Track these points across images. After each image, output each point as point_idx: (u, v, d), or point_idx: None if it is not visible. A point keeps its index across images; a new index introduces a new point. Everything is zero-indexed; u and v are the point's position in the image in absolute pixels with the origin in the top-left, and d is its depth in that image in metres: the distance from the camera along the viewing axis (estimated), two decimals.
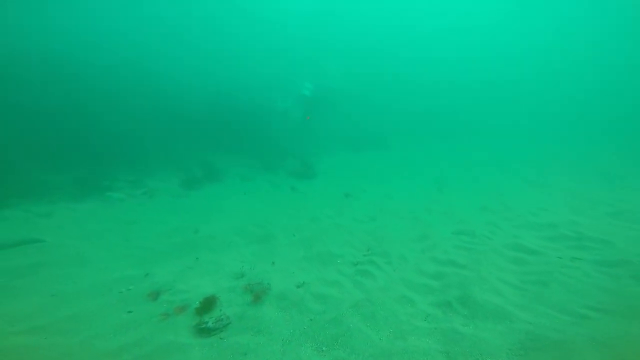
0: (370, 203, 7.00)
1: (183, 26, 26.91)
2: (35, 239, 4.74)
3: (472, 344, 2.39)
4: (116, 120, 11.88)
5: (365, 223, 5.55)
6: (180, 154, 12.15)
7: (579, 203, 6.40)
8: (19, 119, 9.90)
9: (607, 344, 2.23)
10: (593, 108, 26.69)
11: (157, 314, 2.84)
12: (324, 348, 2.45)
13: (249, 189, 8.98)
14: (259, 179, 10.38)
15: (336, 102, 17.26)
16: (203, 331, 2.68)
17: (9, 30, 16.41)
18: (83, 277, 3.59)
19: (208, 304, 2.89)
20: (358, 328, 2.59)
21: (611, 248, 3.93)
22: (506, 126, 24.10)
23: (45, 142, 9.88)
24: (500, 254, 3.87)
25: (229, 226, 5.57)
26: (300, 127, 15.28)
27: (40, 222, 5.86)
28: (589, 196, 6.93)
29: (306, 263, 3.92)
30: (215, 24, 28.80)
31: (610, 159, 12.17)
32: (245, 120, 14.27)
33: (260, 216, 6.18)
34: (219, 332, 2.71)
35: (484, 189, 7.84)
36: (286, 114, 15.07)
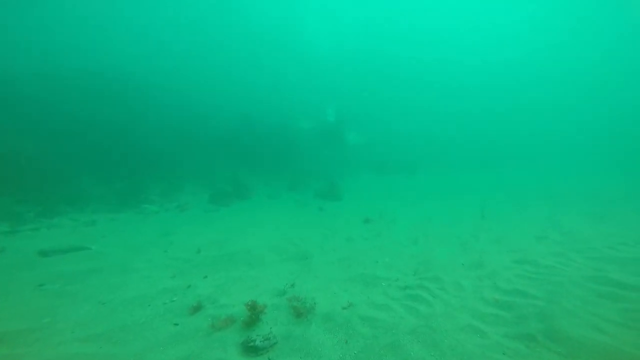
0: (408, 226, 6.79)
1: (213, 53, 29.20)
2: (83, 247, 4.94)
3: None
4: (151, 138, 12.72)
5: (406, 246, 5.33)
6: (209, 171, 12.67)
7: None
8: (65, 135, 10.82)
9: None
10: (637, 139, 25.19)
11: (203, 328, 2.77)
12: None
13: (276, 207, 9.04)
14: (286, 198, 10.50)
15: (362, 127, 17.60)
16: (251, 350, 2.55)
17: (56, 52, 18.48)
18: (128, 287, 3.63)
19: (253, 319, 2.79)
20: (421, 357, 2.35)
21: None
22: (545, 154, 23.23)
23: (88, 156, 10.67)
24: (583, 287, 3.47)
25: (262, 242, 5.53)
26: (324, 149, 15.62)
27: (86, 231, 6.15)
28: None
29: (349, 284, 3.74)
30: (244, 52, 30.98)
31: None
32: (272, 141, 14.81)
33: (292, 234, 6.12)
34: (267, 351, 2.57)
35: (534, 218, 7.38)
36: (311, 136, 15.54)
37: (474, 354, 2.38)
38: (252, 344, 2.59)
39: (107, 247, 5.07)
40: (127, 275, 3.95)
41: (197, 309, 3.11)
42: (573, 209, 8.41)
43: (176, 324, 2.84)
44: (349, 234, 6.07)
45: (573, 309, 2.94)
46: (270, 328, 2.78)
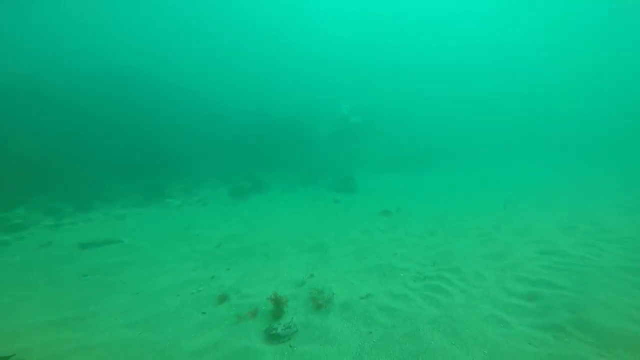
0: (425, 219, 6.72)
1: (232, 54, 29.52)
2: (116, 240, 5.32)
3: None
4: (172, 138, 13.22)
5: (424, 238, 5.31)
6: (226, 167, 13.07)
7: None
8: (94, 137, 11.46)
9: None
10: None
11: (228, 317, 2.96)
12: None
13: (292, 201, 9.22)
14: (301, 192, 10.69)
15: (376, 121, 17.33)
16: (273, 337, 2.71)
17: (85, 52, 19.35)
18: (158, 278, 3.91)
19: (277, 310, 2.93)
20: (441, 346, 2.40)
21: None
22: (572, 145, 21.85)
23: (115, 155, 11.28)
24: (617, 278, 3.34)
25: (279, 235, 5.70)
26: (339, 144, 15.59)
27: (117, 224, 6.60)
28: None
29: (366, 275, 3.81)
30: (261, 51, 31.03)
31: None
32: (287, 138, 14.98)
33: (308, 226, 6.25)
34: (288, 339, 2.72)
35: (560, 210, 7.07)
36: (326, 132, 15.52)
37: (497, 343, 2.39)
38: (274, 332, 2.74)
39: (136, 240, 5.43)
40: (156, 267, 4.24)
41: (222, 299, 3.30)
42: (603, 200, 7.94)
43: (203, 313, 3.04)
44: (365, 226, 6.10)
45: (606, 299, 2.85)
46: (292, 317, 2.92)
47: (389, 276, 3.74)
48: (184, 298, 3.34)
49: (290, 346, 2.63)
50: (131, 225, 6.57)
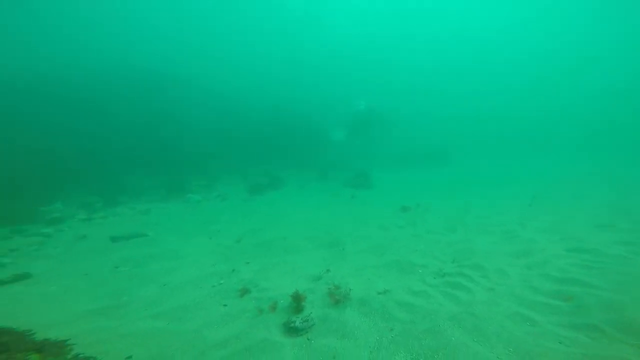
0: (444, 216, 6.57)
1: (248, 54, 29.86)
2: (142, 234, 5.63)
3: None
4: (191, 136, 13.67)
5: (443, 235, 5.21)
6: (244, 164, 13.40)
7: None
8: (118, 135, 12.06)
9: None
10: None
11: (248, 310, 3.08)
12: None
13: (307, 197, 9.31)
14: (316, 188, 10.80)
15: (392, 117, 16.98)
16: (292, 330, 2.79)
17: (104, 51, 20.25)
18: (182, 270, 4.11)
19: (296, 304, 3.01)
20: (463, 342, 2.37)
21: None
22: (607, 138, 20.42)
23: (140, 152, 11.83)
24: None
25: (295, 230, 5.79)
26: (353, 141, 15.47)
27: (142, 218, 6.97)
28: None
29: (383, 270, 3.81)
30: (277, 49, 31.13)
31: None
32: (302, 134, 15.09)
33: (324, 222, 6.30)
34: (306, 332, 2.79)
35: (593, 206, 6.67)
36: (340, 129, 15.42)
37: (524, 341, 2.32)
38: (292, 325, 2.82)
39: (160, 234, 5.72)
40: (180, 260, 4.46)
41: (243, 292, 3.43)
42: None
43: (225, 305, 3.18)
44: (382, 223, 6.06)
45: None
46: (310, 312, 2.99)
47: (407, 272, 3.71)
48: (207, 290, 3.50)
49: (308, 339, 2.70)
50: (155, 219, 6.92)
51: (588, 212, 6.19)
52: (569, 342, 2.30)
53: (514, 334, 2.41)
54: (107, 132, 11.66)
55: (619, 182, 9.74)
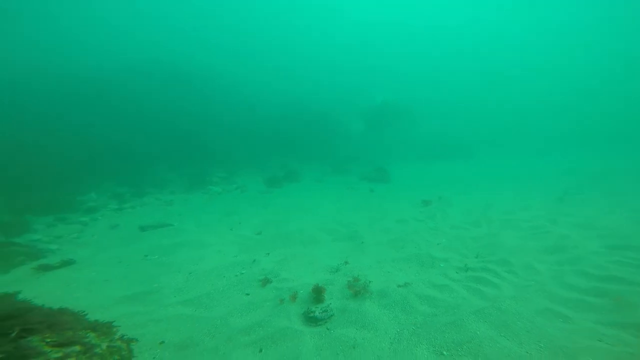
0: (466, 210, 6.40)
1: (265, 50, 29.98)
2: (168, 224, 5.93)
3: None
4: (213, 129, 14.04)
5: (467, 230, 5.09)
6: (262, 157, 13.63)
7: None
8: (146, 128, 12.59)
9: None
10: None
11: (270, 299, 3.19)
12: (444, 352, 2.29)
13: (324, 190, 9.34)
14: (332, 181, 10.81)
15: (413, 111, 16.48)
16: (311, 320, 2.86)
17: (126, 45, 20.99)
18: (206, 259, 4.30)
19: (316, 295, 3.08)
20: (489, 337, 2.33)
21: None
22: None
23: (164, 145, 12.32)
24: None
25: (313, 222, 5.85)
26: (370, 134, 15.23)
27: (167, 209, 7.31)
28: None
29: (403, 264, 3.79)
30: (293, 44, 30.95)
31: None
32: (318, 128, 15.06)
33: (341, 215, 6.31)
34: (325, 322, 2.85)
35: (633, 203, 6.24)
36: (358, 122, 15.24)
37: (557, 337, 2.25)
38: (312, 314, 2.89)
39: (184, 224, 5.99)
40: (204, 250, 4.66)
41: (264, 282, 3.55)
42: None
43: (247, 294, 3.31)
44: (400, 216, 5.99)
45: None
46: (329, 303, 3.04)
47: (428, 266, 3.67)
48: (230, 279, 3.65)
49: (327, 329, 2.76)
50: (178, 209, 7.24)
51: (628, 209, 5.77)
52: (612, 340, 2.19)
53: (545, 330, 2.33)
54: (134, 127, 12.23)
55: None
